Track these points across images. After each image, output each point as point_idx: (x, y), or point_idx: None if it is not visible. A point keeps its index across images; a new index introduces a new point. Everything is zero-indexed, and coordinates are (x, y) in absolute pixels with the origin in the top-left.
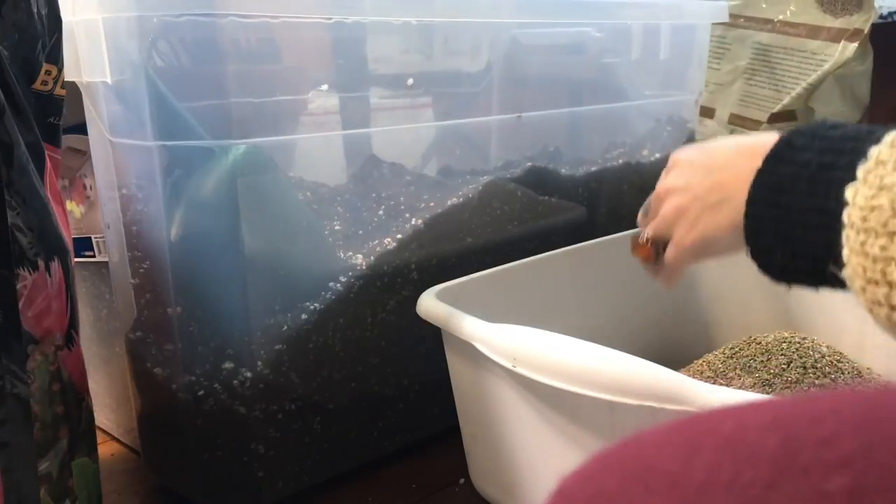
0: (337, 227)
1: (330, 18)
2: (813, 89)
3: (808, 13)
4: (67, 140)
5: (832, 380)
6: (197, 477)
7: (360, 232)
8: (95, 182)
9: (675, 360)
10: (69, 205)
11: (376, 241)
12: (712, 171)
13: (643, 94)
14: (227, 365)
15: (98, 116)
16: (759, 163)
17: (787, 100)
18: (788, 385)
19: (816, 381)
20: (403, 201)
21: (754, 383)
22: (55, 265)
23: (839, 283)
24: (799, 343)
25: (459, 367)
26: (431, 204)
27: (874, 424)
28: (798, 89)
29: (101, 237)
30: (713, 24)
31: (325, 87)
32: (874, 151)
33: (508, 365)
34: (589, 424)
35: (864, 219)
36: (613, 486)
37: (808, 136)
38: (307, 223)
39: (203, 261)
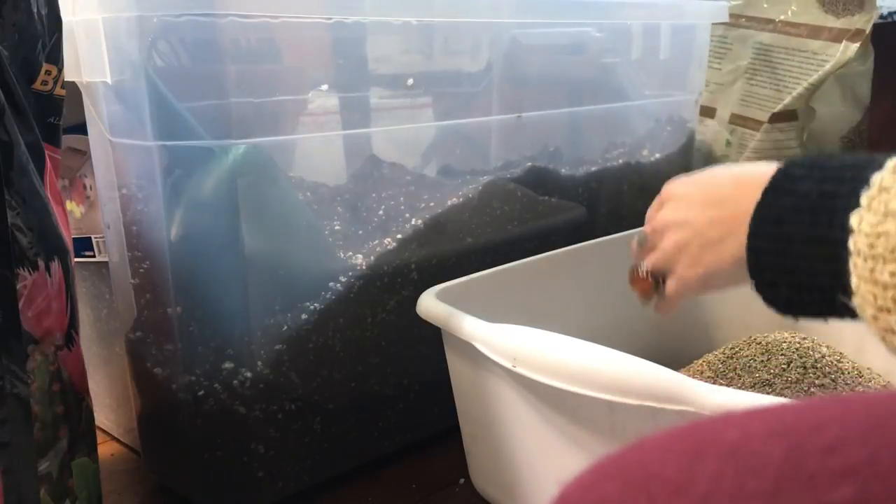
0: (337, 227)
1: (330, 18)
2: (814, 89)
3: (809, 13)
4: (67, 140)
5: (832, 380)
6: (197, 477)
7: (360, 232)
8: (95, 182)
9: (675, 360)
10: (69, 205)
11: (376, 241)
12: (711, 206)
13: (643, 94)
14: (227, 365)
15: (98, 116)
16: (758, 195)
17: (788, 100)
18: (788, 385)
19: (817, 381)
20: (403, 201)
21: (754, 383)
22: (55, 265)
23: (848, 313)
24: (799, 343)
25: (459, 367)
26: (431, 204)
27: (879, 432)
28: (799, 89)
29: (101, 237)
30: (714, 23)
31: (325, 87)
32: (877, 178)
33: (508, 365)
34: (589, 424)
35: (872, 245)
36: (615, 493)
37: (806, 167)
38: (307, 223)
39: (203, 261)
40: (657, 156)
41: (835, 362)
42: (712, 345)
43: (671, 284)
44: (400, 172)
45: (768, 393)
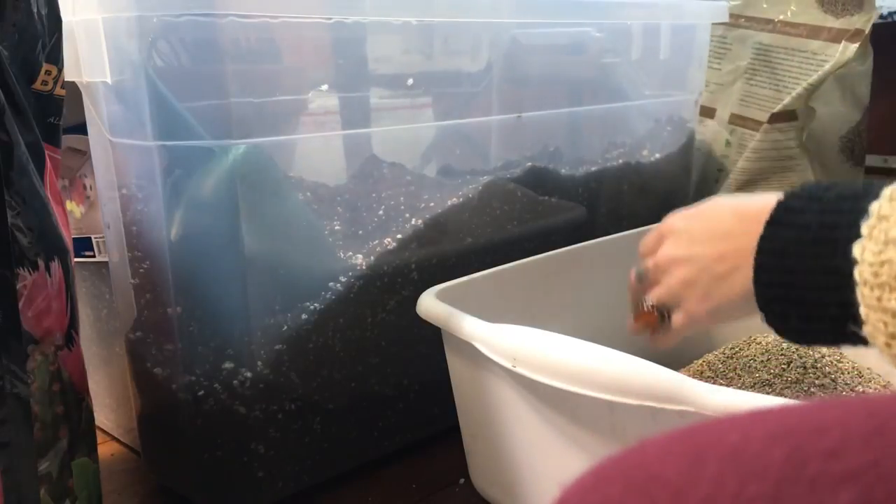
0: (337, 227)
1: (330, 18)
2: (813, 89)
3: (808, 13)
4: (67, 140)
5: (832, 380)
6: (197, 477)
7: (360, 232)
8: (95, 182)
9: (675, 360)
10: (69, 205)
11: (376, 241)
12: (716, 240)
13: (643, 94)
14: (227, 365)
15: (98, 116)
16: (760, 229)
17: (787, 100)
18: (788, 385)
19: (817, 382)
20: (403, 201)
21: (754, 383)
22: (55, 265)
23: (860, 341)
24: None
25: (459, 367)
26: (431, 204)
27: (881, 436)
28: (799, 89)
29: (101, 237)
30: (714, 24)
31: (325, 87)
32: (875, 207)
33: (508, 365)
34: (589, 424)
35: (876, 274)
36: (616, 496)
37: (804, 199)
38: (307, 223)
39: (203, 261)
40: (657, 156)
41: (835, 362)
42: (712, 345)
43: (679, 319)
44: (400, 172)
45: (768, 393)
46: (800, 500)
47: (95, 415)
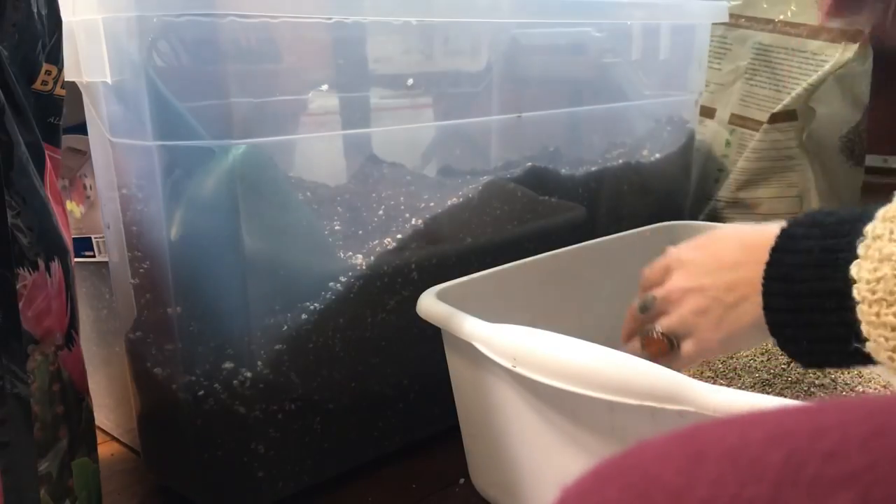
0: (337, 227)
1: (330, 18)
2: (813, 89)
3: (808, 13)
4: (67, 140)
5: (832, 380)
6: (197, 477)
7: (360, 232)
8: (95, 182)
9: None
10: (69, 205)
11: (376, 241)
12: (724, 271)
13: (643, 94)
14: (227, 365)
15: (98, 116)
16: (766, 257)
17: (787, 100)
18: (788, 385)
19: (816, 381)
20: (403, 201)
21: (754, 383)
22: (55, 265)
23: (869, 360)
24: None
25: (459, 367)
26: (431, 204)
27: (880, 439)
28: (798, 89)
29: (101, 237)
30: (714, 24)
31: (325, 87)
32: (869, 228)
33: (508, 365)
34: (589, 424)
35: (873, 291)
36: (615, 497)
37: (806, 226)
38: (307, 223)
39: (203, 261)
40: (657, 156)
41: None
42: None
43: (690, 347)
44: (400, 172)
45: (768, 393)
46: (798, 503)
47: (95, 415)
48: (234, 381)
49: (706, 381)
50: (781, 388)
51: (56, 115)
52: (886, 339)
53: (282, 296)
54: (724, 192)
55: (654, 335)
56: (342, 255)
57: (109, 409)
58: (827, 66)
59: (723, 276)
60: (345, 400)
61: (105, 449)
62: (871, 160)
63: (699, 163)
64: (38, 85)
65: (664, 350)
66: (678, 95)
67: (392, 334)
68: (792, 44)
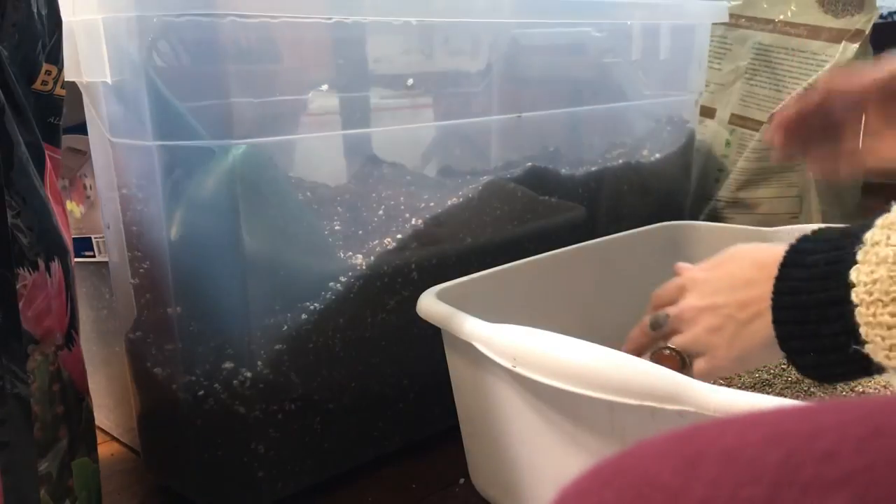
0: (337, 227)
1: (330, 18)
2: None
3: (808, 13)
4: (67, 140)
5: None
6: (197, 477)
7: (360, 232)
8: (95, 182)
9: None
10: (69, 205)
11: (376, 241)
12: (737, 289)
13: (643, 94)
14: (227, 365)
15: (98, 116)
16: (776, 272)
17: (787, 100)
18: (788, 385)
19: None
20: (403, 201)
21: (754, 383)
22: (55, 265)
23: (869, 366)
24: None
25: (459, 367)
26: (431, 204)
27: (876, 440)
28: (799, 89)
29: (101, 237)
30: (714, 24)
31: (325, 87)
32: (868, 235)
33: (508, 365)
34: (589, 424)
35: (870, 292)
36: (612, 499)
37: (812, 241)
38: (307, 223)
39: (203, 261)
40: (657, 156)
41: None
42: None
43: (702, 365)
44: (400, 172)
45: (768, 393)
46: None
47: (95, 415)
48: (234, 381)
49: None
50: (781, 389)
51: (56, 115)
52: (883, 339)
53: (282, 296)
54: (724, 192)
55: (666, 352)
56: (342, 255)
57: (109, 409)
58: (827, 66)
59: (736, 294)
60: (345, 400)
61: (105, 449)
62: None
63: (699, 163)
64: (38, 85)
65: (675, 367)
66: (678, 95)
67: (392, 334)
68: (792, 44)
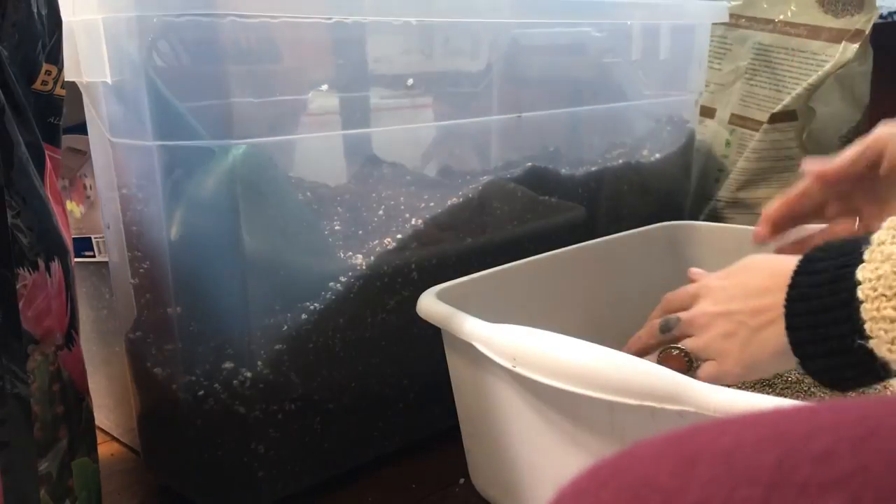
0: (337, 227)
1: (330, 18)
2: (814, 89)
3: (808, 14)
4: (67, 140)
5: None
6: (197, 477)
7: (360, 232)
8: (95, 182)
9: None
10: (69, 205)
11: (376, 241)
12: (751, 297)
13: (643, 94)
14: (227, 365)
15: (98, 116)
16: (789, 281)
17: (787, 100)
18: (788, 385)
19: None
20: (403, 201)
21: (754, 383)
22: (55, 265)
23: (884, 371)
24: None
25: (459, 367)
26: (431, 204)
27: (871, 442)
28: (798, 89)
29: (101, 237)
30: (714, 24)
31: (325, 87)
32: (875, 236)
33: (508, 365)
34: (589, 424)
35: (874, 288)
36: (609, 500)
37: (825, 250)
38: (307, 223)
39: (203, 261)
40: (657, 156)
41: None
42: None
43: (711, 370)
44: (400, 172)
45: (768, 393)
46: None
47: (95, 415)
48: (234, 381)
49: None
50: (781, 389)
51: (56, 115)
52: (886, 332)
53: (282, 296)
54: (724, 192)
55: (674, 352)
56: (342, 255)
57: (109, 409)
58: (827, 66)
59: (750, 301)
60: (345, 400)
61: (105, 449)
62: None
63: (699, 163)
64: (38, 85)
65: (682, 369)
66: (678, 95)
67: (392, 334)
68: (792, 44)
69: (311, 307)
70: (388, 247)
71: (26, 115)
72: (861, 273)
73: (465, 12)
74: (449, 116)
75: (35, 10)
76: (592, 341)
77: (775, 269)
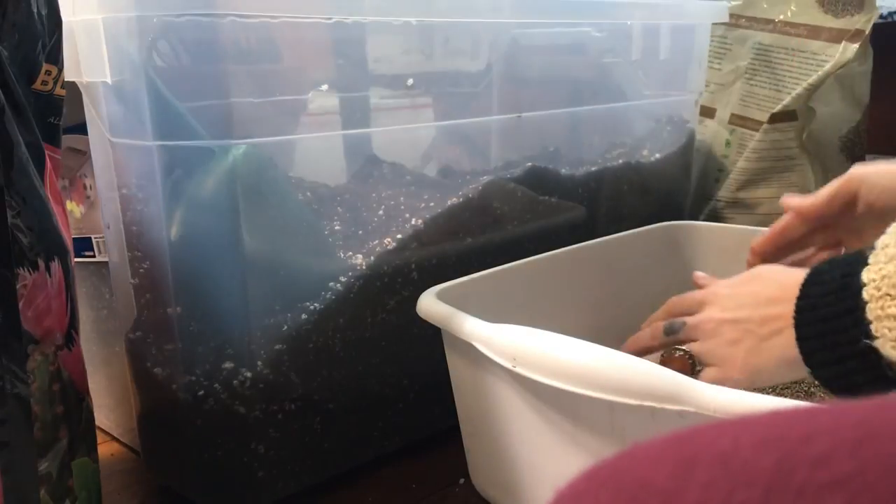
0: (337, 227)
1: (330, 18)
2: (813, 89)
3: (808, 13)
4: (67, 140)
5: None
6: (197, 477)
7: (360, 232)
8: (95, 182)
9: None
10: (69, 205)
11: (376, 241)
12: (760, 306)
13: (643, 94)
14: (227, 365)
15: (98, 116)
16: (798, 292)
17: (787, 100)
18: (788, 385)
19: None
20: (403, 201)
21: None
22: (55, 265)
23: (892, 372)
24: None
25: (459, 367)
26: (431, 204)
27: (869, 444)
28: (798, 89)
29: (101, 237)
30: (714, 24)
31: (325, 87)
32: (879, 241)
33: (508, 365)
34: (589, 424)
35: (878, 288)
36: (607, 502)
37: (829, 262)
38: (307, 223)
39: (203, 261)
40: (657, 156)
41: None
42: None
43: (714, 375)
44: (400, 172)
45: (768, 393)
46: None
47: (95, 415)
48: (234, 381)
49: None
50: (781, 389)
51: (56, 115)
52: (890, 330)
53: (282, 296)
54: (724, 192)
55: (678, 354)
56: (342, 255)
57: (109, 409)
58: (827, 66)
59: (759, 310)
60: (345, 400)
61: (105, 449)
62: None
63: (699, 163)
64: (38, 85)
65: (685, 371)
66: (678, 95)
67: (392, 334)
68: (792, 44)
69: (311, 307)
70: (388, 247)
71: (26, 115)
72: (866, 275)
73: (465, 12)
74: (449, 116)
75: (35, 10)
76: (592, 341)
77: (784, 280)
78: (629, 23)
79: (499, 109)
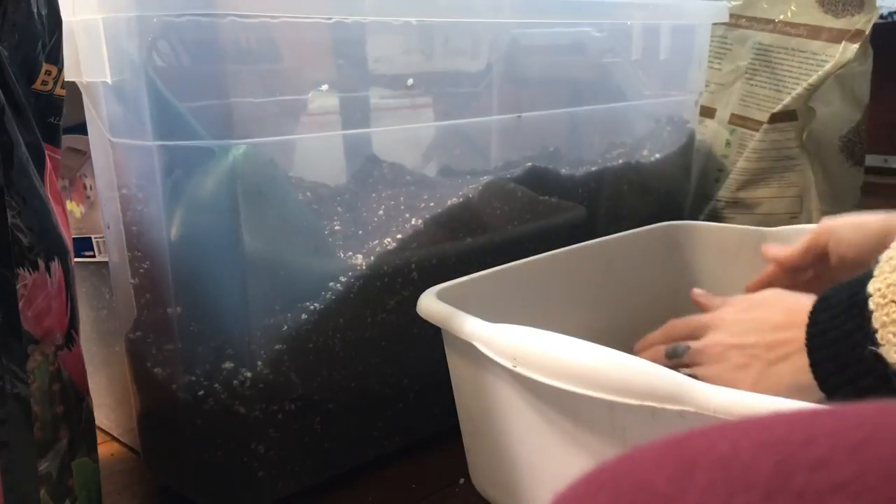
0: (337, 227)
1: (330, 18)
2: (814, 89)
3: (808, 13)
4: (67, 140)
5: None
6: (197, 477)
7: (360, 232)
8: (95, 182)
9: None
10: (69, 205)
11: (376, 241)
12: (766, 331)
13: (643, 94)
14: (227, 365)
15: (98, 116)
16: (806, 319)
17: (787, 100)
18: None
19: None
20: (403, 201)
21: None
22: (55, 265)
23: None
24: None
25: (459, 367)
26: (431, 204)
27: (869, 447)
28: (799, 89)
29: (101, 237)
30: (714, 24)
31: (325, 87)
32: (883, 255)
33: (509, 365)
34: (589, 424)
35: (884, 296)
36: None
37: (837, 288)
38: (307, 223)
39: (203, 261)
40: (657, 156)
41: None
42: None
43: None
44: (400, 172)
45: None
46: None
47: (95, 415)
48: (234, 381)
49: None
50: None
51: (56, 115)
52: (894, 336)
53: (282, 296)
54: (724, 192)
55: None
56: (342, 255)
57: (109, 409)
58: (827, 66)
59: (766, 336)
60: (345, 400)
61: (105, 449)
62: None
63: (699, 163)
64: (38, 85)
65: None
66: (678, 95)
67: (392, 334)
68: (792, 44)
69: (311, 307)
70: (388, 247)
71: (26, 115)
72: (871, 286)
73: (465, 12)
74: (449, 116)
75: (35, 10)
76: (592, 341)
77: (791, 306)
78: (629, 23)
79: (499, 109)
